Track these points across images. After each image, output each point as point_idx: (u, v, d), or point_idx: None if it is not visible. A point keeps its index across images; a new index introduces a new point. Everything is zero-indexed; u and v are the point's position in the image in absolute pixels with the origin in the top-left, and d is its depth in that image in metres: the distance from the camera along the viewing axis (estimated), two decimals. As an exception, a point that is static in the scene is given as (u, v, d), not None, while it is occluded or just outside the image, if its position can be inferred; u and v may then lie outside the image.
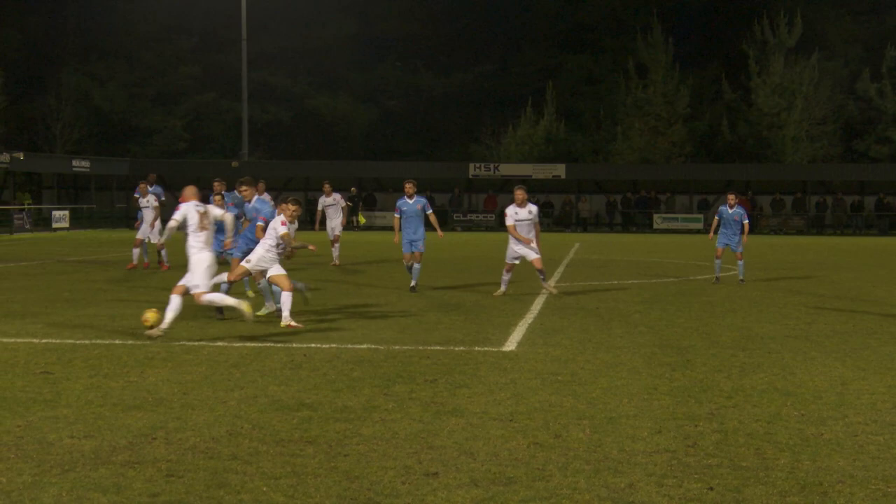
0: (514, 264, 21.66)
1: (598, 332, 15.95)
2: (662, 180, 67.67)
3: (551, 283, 21.46)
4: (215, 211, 15.82)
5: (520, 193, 21.41)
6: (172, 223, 15.36)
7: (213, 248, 15.53)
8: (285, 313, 16.08)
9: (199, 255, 15.09)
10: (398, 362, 12.95)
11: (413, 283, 21.94)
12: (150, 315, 14.86)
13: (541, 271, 21.30)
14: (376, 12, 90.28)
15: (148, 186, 28.82)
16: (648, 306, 19.78)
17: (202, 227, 15.23)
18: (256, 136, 71.15)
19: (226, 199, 21.20)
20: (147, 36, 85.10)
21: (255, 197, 18.63)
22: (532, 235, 21.30)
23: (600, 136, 77.66)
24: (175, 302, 14.75)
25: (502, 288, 21.75)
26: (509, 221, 21.32)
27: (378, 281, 24.56)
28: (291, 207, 16.79)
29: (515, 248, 21.37)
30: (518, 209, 21.32)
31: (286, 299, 16.13)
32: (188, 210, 15.29)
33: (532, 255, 21.19)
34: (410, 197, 22.25)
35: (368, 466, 8.17)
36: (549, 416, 9.97)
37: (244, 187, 18.54)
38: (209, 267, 15.09)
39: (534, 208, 21.36)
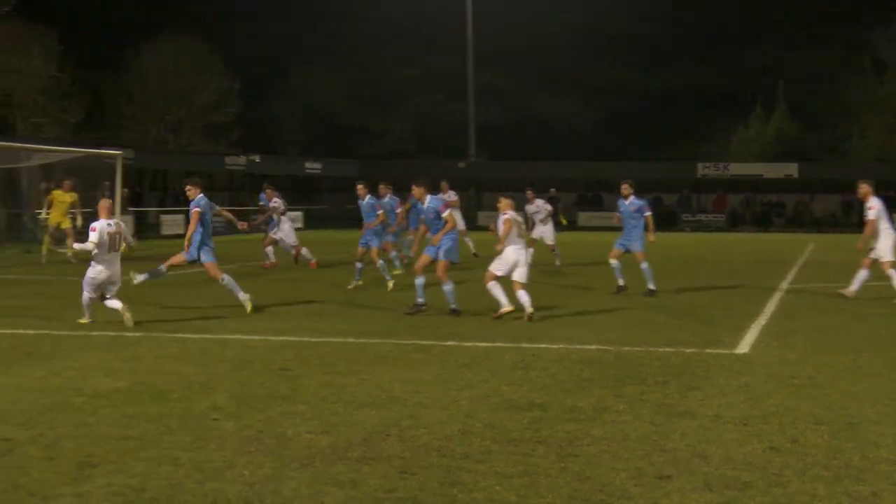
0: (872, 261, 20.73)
1: (834, 335, 15.45)
2: (903, 180, 64.97)
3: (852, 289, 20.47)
4: (127, 236, 17.30)
5: (863, 187, 20.76)
6: (89, 245, 16.33)
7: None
8: (528, 309, 16.71)
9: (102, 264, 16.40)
10: (628, 363, 12.85)
11: (621, 284, 21.52)
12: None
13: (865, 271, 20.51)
14: (601, 11, 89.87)
15: (272, 192, 29.34)
16: (889, 309, 19.04)
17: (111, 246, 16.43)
18: (480, 137, 71.64)
19: (390, 201, 23.73)
20: (371, 39, 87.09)
21: (429, 197, 18.78)
22: (881, 229, 20.46)
23: (834, 134, 75.18)
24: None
25: None
26: (872, 215, 20.61)
27: (604, 283, 24.32)
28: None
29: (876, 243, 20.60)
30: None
31: (524, 297, 16.81)
32: (102, 228, 16.32)
33: (887, 256, 20.42)
34: (626, 198, 21.90)
35: (599, 467, 8.11)
36: (785, 419, 9.70)
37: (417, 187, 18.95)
38: (92, 278, 16.29)
39: (875, 201, 20.59)
